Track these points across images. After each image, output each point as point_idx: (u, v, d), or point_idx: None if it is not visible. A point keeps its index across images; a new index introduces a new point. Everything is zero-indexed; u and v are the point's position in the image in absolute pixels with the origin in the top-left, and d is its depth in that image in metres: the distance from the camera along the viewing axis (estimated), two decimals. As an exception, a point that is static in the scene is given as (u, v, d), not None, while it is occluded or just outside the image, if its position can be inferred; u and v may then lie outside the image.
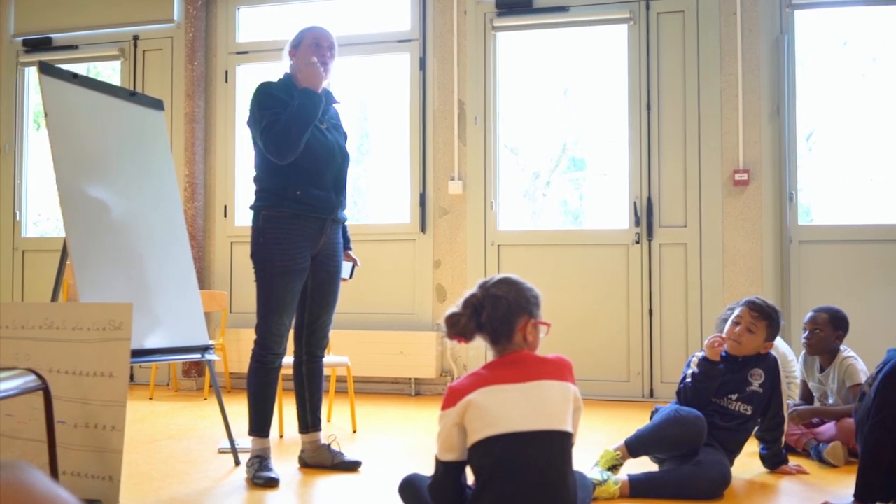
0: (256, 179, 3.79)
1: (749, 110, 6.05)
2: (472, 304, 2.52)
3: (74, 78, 4.06)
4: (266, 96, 3.70)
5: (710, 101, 6.12)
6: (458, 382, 2.47)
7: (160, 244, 4.22)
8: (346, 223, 4.05)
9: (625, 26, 6.34)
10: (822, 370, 4.40)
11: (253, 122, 3.71)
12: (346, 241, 4.05)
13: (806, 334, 4.37)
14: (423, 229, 6.62)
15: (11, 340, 3.32)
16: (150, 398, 6.33)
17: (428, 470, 2.64)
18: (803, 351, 4.47)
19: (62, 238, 3.80)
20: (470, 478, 2.53)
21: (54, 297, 3.98)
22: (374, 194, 7.57)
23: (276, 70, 3.92)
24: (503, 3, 6.49)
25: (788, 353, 4.77)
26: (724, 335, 3.70)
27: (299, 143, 3.61)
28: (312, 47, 3.79)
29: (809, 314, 4.41)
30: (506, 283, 2.53)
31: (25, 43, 7.59)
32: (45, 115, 3.83)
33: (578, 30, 6.61)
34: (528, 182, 7.38)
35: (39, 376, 2.66)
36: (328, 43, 3.83)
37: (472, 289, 2.57)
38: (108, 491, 3.16)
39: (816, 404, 4.44)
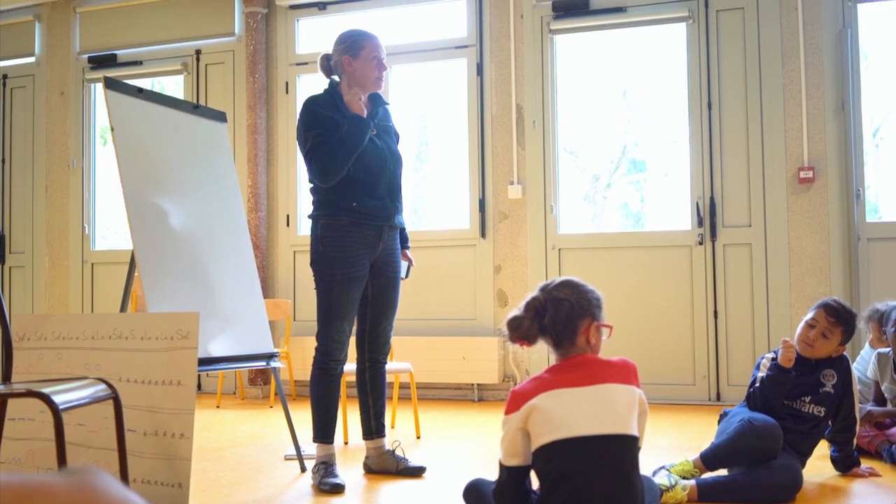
0: (313, 191, 3.81)
1: (813, 106, 5.93)
2: (533, 307, 2.49)
3: (139, 92, 4.14)
4: (312, 116, 3.70)
5: (772, 97, 6.01)
6: (522, 386, 2.45)
7: (225, 254, 4.28)
8: (406, 228, 4.05)
9: (683, 25, 6.27)
10: (896, 370, 4.28)
11: (300, 143, 3.74)
12: (404, 240, 4.05)
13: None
14: (482, 234, 6.62)
15: (82, 351, 3.40)
16: (218, 406, 6.42)
17: (492, 475, 2.63)
18: (876, 351, 4.35)
19: (130, 251, 3.87)
20: (534, 482, 2.51)
21: (123, 308, 4.06)
22: (434, 200, 7.58)
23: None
24: (560, 5, 6.46)
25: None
26: (795, 339, 3.62)
27: (343, 170, 3.62)
28: (373, 62, 3.77)
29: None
30: (567, 285, 2.51)
31: (91, 60, 7.77)
32: (111, 129, 3.91)
33: (636, 30, 6.54)
34: (588, 185, 7.32)
35: (109, 385, 2.71)
36: (384, 55, 3.83)
37: (532, 292, 2.55)
38: (178, 498, 3.20)
39: (889, 406, 4.32)
